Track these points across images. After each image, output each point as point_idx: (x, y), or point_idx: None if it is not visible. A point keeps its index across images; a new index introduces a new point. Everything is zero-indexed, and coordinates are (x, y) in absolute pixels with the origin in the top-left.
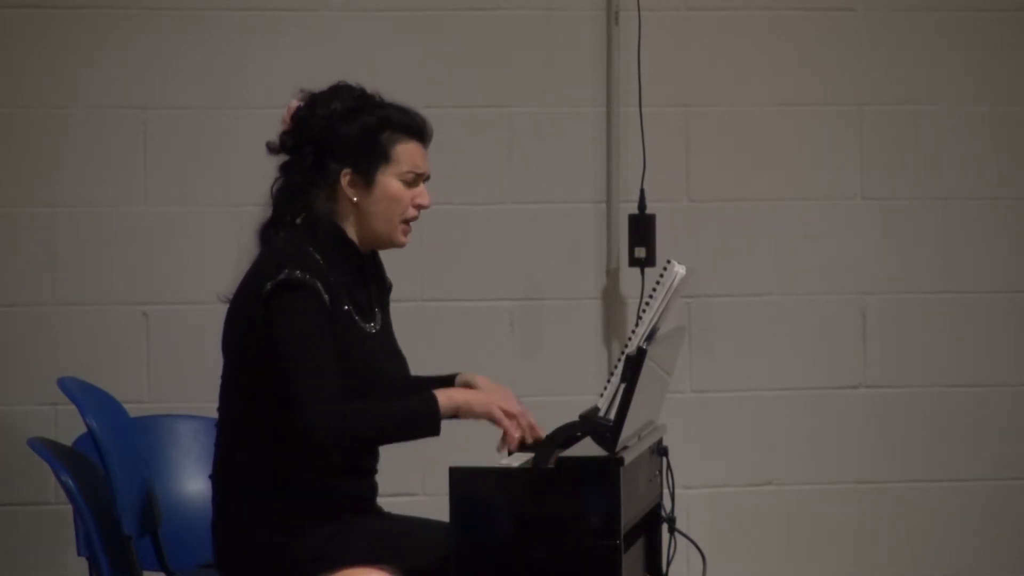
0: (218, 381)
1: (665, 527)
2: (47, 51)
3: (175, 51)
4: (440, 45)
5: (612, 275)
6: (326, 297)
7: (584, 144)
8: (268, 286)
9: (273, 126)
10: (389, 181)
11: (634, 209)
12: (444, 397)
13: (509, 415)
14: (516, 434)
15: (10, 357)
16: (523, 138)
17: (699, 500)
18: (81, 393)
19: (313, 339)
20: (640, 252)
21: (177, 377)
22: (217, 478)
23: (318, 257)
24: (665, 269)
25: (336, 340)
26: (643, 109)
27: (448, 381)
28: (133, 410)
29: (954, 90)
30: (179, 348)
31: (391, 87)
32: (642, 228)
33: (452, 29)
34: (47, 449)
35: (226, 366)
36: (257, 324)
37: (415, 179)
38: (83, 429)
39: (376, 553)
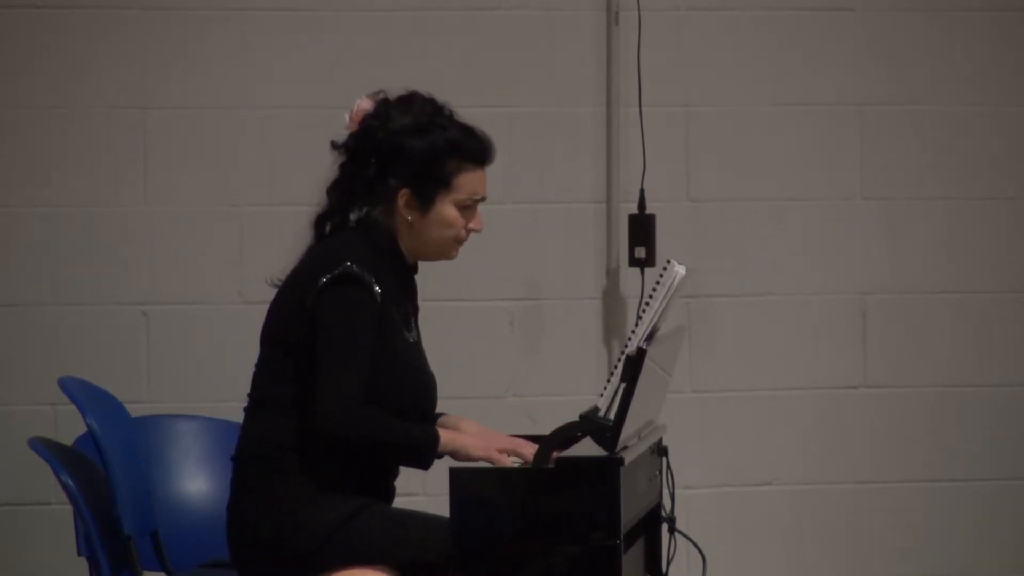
0: (218, 380)
1: (665, 527)
2: (47, 51)
3: (175, 51)
4: (440, 45)
5: (612, 275)
6: (379, 297)
7: (584, 144)
8: (327, 277)
9: (273, 127)
10: (446, 207)
11: (634, 209)
12: (446, 437)
13: (506, 452)
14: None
15: (10, 357)
16: (523, 138)
17: (699, 500)
18: (81, 393)
19: (354, 335)
20: (640, 252)
21: (177, 377)
22: (240, 459)
23: (373, 259)
24: (665, 269)
25: (381, 341)
26: (643, 109)
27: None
28: (133, 410)
29: (954, 90)
30: (179, 348)
31: (391, 87)
32: (642, 228)
33: (452, 29)
34: (47, 449)
35: (266, 348)
36: (308, 311)
37: (472, 205)
38: (83, 429)
39: (381, 547)
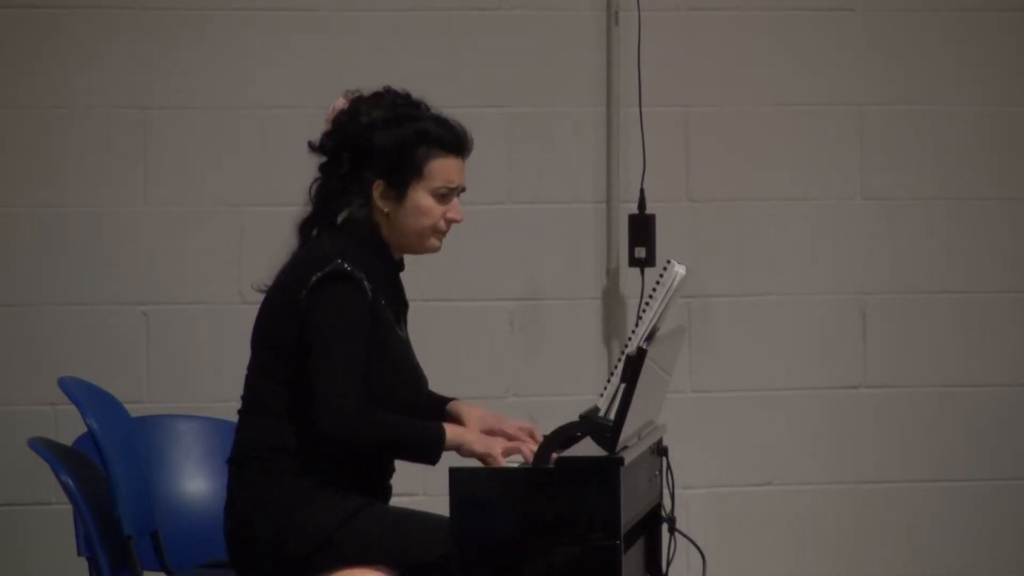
0: (218, 380)
1: (665, 527)
2: (47, 51)
3: (175, 51)
4: (440, 45)
5: (612, 275)
6: (370, 294)
7: (584, 144)
8: (317, 275)
9: (273, 127)
10: (420, 196)
11: (634, 209)
12: (451, 432)
13: (508, 452)
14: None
15: (10, 357)
16: (523, 138)
17: (699, 500)
18: (81, 393)
19: (348, 333)
20: (640, 252)
21: (177, 377)
22: (236, 461)
23: (361, 256)
24: (665, 269)
25: (375, 336)
26: (643, 109)
27: (442, 404)
28: (133, 410)
29: (954, 90)
30: (179, 348)
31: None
32: (642, 228)
33: (452, 29)
34: (47, 449)
35: (258, 352)
36: (299, 311)
37: (448, 193)
38: (83, 429)
39: (380, 547)
